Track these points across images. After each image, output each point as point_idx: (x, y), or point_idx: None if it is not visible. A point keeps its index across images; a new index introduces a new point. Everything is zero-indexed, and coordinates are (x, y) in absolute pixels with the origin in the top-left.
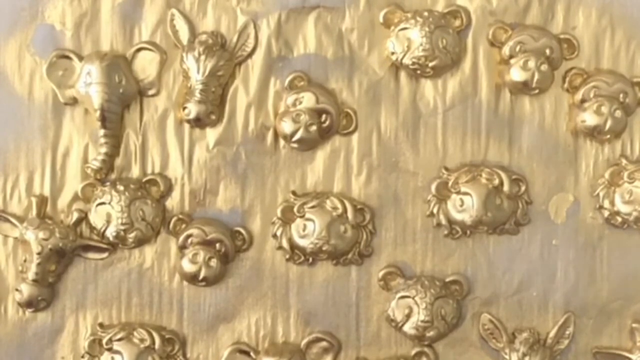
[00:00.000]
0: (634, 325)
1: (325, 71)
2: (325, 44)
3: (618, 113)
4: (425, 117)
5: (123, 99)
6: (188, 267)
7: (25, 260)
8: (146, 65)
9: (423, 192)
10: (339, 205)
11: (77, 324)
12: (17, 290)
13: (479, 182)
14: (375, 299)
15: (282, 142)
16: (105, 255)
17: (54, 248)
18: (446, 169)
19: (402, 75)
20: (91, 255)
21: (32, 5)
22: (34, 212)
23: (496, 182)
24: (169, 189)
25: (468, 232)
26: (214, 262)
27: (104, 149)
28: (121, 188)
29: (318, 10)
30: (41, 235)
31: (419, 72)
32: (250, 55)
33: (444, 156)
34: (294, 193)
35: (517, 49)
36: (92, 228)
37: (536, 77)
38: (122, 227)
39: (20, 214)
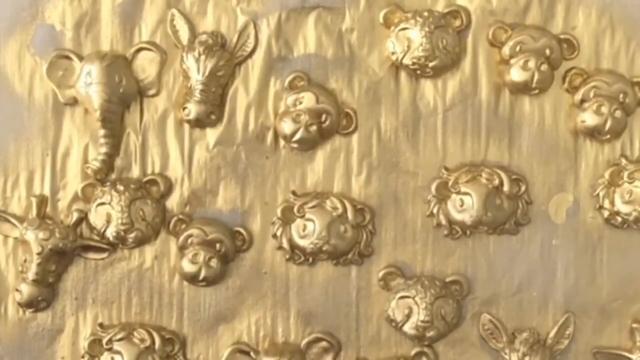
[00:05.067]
0: (634, 325)
1: (325, 71)
2: (325, 44)
3: (618, 113)
4: (425, 117)
5: (123, 99)
6: (188, 267)
7: (25, 261)
8: (146, 65)
9: (423, 192)
10: (339, 205)
11: (77, 324)
12: (17, 290)
13: (479, 182)
14: (375, 299)
15: (282, 142)
16: (105, 255)
17: (54, 248)
18: (446, 169)
19: (402, 75)
20: (91, 255)
21: (32, 5)
22: (34, 212)
23: (496, 182)
24: (169, 189)
25: (468, 232)
26: (214, 262)
27: (104, 149)
28: (121, 188)
29: (318, 10)
30: (41, 235)
31: (419, 72)
32: (250, 55)
33: (444, 156)
34: (294, 193)
35: (517, 49)
36: (92, 228)
37: (536, 77)
38: (122, 227)
39: (21, 214)
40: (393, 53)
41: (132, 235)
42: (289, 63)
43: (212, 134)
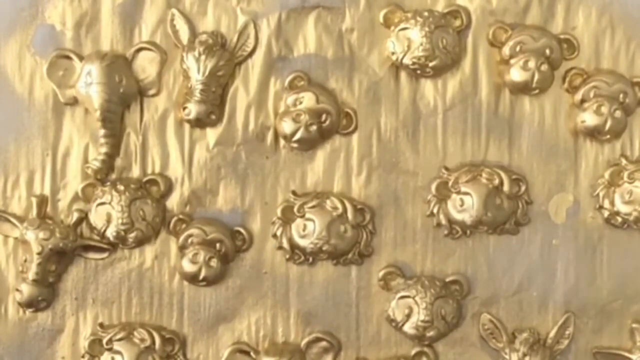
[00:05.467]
0: (634, 325)
1: (325, 71)
2: (325, 44)
3: (618, 113)
4: (425, 117)
5: (123, 99)
6: (188, 267)
7: (25, 260)
8: (146, 65)
9: (423, 192)
10: (339, 205)
11: (77, 324)
12: (17, 290)
13: (479, 182)
14: (375, 299)
15: (282, 142)
16: (105, 255)
17: (54, 248)
18: (446, 169)
19: (402, 75)
20: (91, 255)
21: (32, 5)
22: (34, 212)
23: (496, 182)
24: (169, 189)
25: (468, 232)
26: (214, 262)
27: (104, 149)
28: (121, 188)
29: (318, 10)
30: (41, 235)
31: (419, 72)
32: (250, 55)
33: (444, 156)
34: (294, 193)
35: (517, 49)
36: (92, 228)
37: (536, 77)
38: (123, 227)
39: (21, 214)
40: (393, 53)
41: (132, 235)
42: (289, 63)
43: (212, 134)
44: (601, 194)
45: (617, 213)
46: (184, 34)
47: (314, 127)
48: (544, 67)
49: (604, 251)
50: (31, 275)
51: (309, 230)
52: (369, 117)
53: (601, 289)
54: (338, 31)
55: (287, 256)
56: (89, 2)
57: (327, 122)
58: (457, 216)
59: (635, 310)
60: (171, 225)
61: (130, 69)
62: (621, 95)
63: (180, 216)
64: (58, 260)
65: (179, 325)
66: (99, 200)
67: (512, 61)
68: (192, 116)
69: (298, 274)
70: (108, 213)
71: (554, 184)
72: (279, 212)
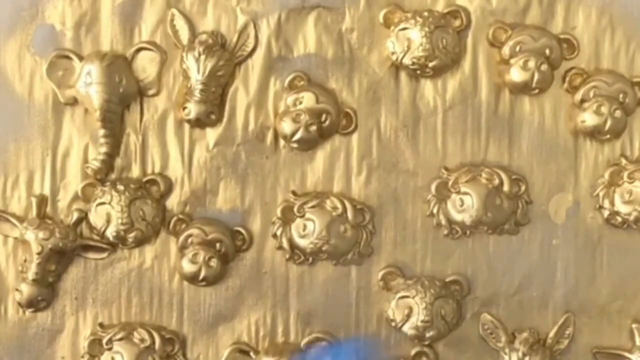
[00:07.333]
0: (634, 325)
1: (325, 71)
2: (325, 44)
3: (618, 113)
4: (425, 117)
5: (123, 99)
6: (188, 267)
7: (25, 260)
8: (146, 65)
9: (423, 192)
10: (339, 205)
11: (77, 324)
12: (17, 290)
13: (479, 182)
14: (375, 299)
15: (282, 142)
16: (105, 255)
17: (54, 248)
18: (446, 169)
19: (402, 75)
20: (91, 255)
21: (32, 5)
22: (34, 212)
23: (496, 182)
24: (169, 189)
25: (468, 232)
26: (214, 262)
27: (104, 149)
28: (121, 188)
29: (318, 10)
30: (41, 235)
31: (419, 72)
32: (250, 55)
33: (444, 156)
34: (294, 193)
35: (517, 49)
36: (92, 228)
37: (536, 77)
38: (122, 227)
39: (20, 214)
40: (393, 53)
41: (132, 235)
42: (289, 63)
43: (212, 134)
44: (601, 194)
45: (617, 213)
46: (184, 34)
47: (314, 127)
48: (544, 67)
49: (604, 251)
50: (31, 275)
51: (309, 230)
52: (369, 117)
53: (601, 289)
54: (338, 31)
55: (287, 256)
56: (89, 2)
57: (327, 122)
58: (457, 216)
59: (635, 310)
60: (171, 225)
61: (130, 69)
62: (621, 95)
63: (180, 216)
64: (58, 260)
65: (179, 325)
66: (98, 200)
67: (512, 61)
68: (192, 116)
69: (298, 274)
70: (108, 213)
71: (554, 184)
72: (279, 212)
